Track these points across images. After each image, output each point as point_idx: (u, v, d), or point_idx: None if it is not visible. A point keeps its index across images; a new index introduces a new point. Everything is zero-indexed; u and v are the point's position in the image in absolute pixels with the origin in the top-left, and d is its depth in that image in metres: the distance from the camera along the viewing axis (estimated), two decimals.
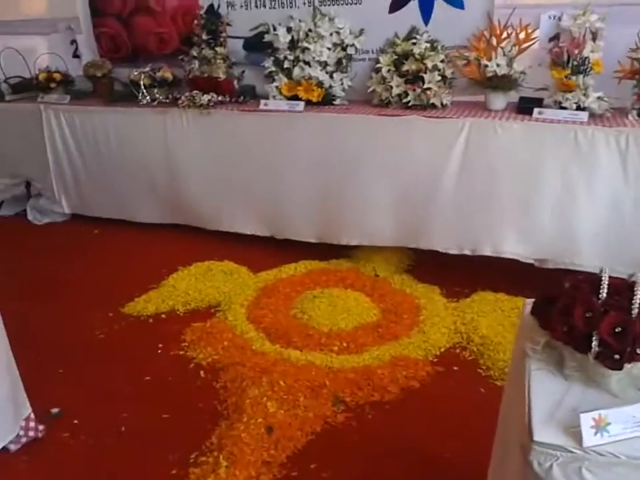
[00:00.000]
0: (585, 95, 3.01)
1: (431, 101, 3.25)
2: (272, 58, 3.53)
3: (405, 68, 3.29)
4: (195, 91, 3.57)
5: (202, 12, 3.64)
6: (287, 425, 2.11)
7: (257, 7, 3.63)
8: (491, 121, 3.04)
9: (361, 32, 3.42)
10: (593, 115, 2.97)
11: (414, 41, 3.31)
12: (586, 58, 3.02)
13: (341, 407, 2.23)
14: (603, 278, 1.20)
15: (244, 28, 3.66)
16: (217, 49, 3.60)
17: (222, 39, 3.62)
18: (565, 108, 3.04)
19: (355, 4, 3.45)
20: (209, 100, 3.50)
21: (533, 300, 1.40)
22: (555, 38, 3.25)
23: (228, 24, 3.63)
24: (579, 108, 3.01)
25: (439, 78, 3.25)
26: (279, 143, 3.39)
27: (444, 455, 2.00)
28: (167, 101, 3.66)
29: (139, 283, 3.18)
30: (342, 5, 3.47)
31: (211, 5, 3.66)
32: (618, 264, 2.93)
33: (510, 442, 1.33)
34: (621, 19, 3.01)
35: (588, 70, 3.04)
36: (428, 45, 3.28)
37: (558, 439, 1.10)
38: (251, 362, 2.46)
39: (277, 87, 3.49)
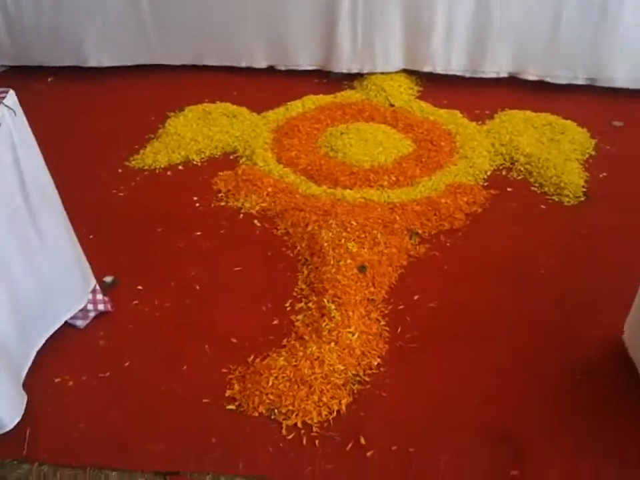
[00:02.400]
0: None
1: None
2: None
3: None
4: None
5: None
6: (376, 262, 2.02)
7: None
8: None
9: None
10: None
11: None
12: None
13: (417, 239, 2.17)
14: None
15: None
16: None
17: None
18: None
19: None
20: None
21: None
22: None
23: None
24: None
25: None
26: None
27: (539, 270, 2.02)
28: None
29: (132, 134, 2.80)
30: None
31: None
32: None
33: None
34: None
35: None
36: None
37: None
38: (307, 205, 2.28)
39: None
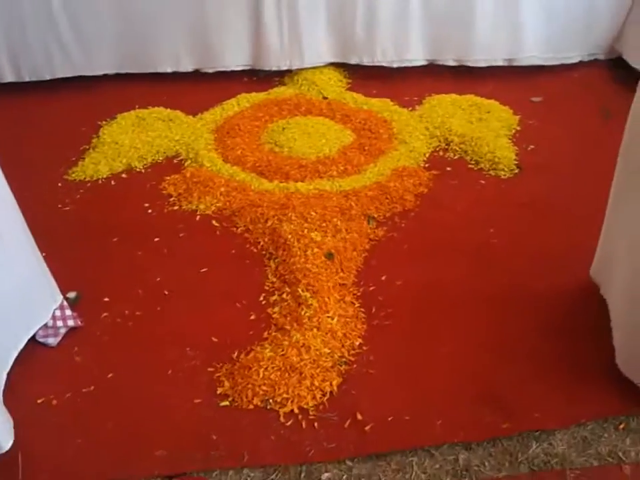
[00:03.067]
0: None
1: None
2: None
3: None
4: None
5: None
6: (341, 248, 2.08)
7: None
8: None
9: None
10: None
11: None
12: None
13: (374, 222, 2.25)
14: None
15: None
16: None
17: None
18: None
19: None
20: None
21: None
22: None
23: None
24: None
25: None
26: None
27: (491, 240, 2.16)
28: None
29: (65, 147, 2.70)
30: None
31: None
32: (559, 50, 3.18)
33: None
34: None
35: None
36: None
37: None
38: (263, 201, 2.31)
39: None
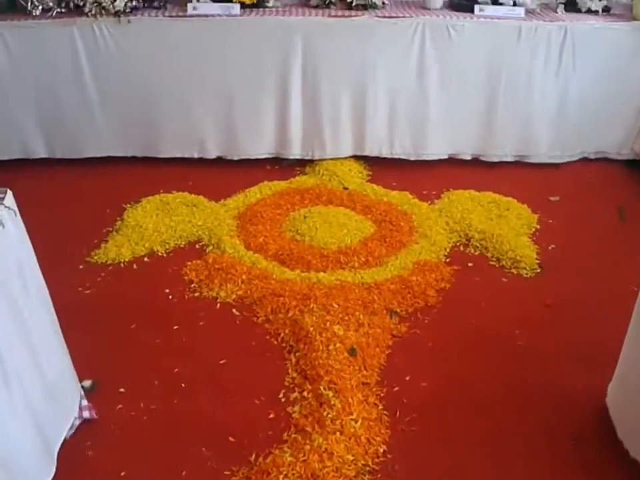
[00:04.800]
0: None
1: (373, 0, 3.16)
2: None
3: None
4: None
5: None
6: (364, 344, 2.04)
7: None
8: (442, 20, 3.07)
9: None
10: (526, 11, 3.15)
11: None
12: None
13: (397, 317, 2.22)
14: None
15: None
16: None
17: None
18: (501, 4, 3.17)
19: None
20: (125, 4, 2.96)
21: None
22: None
23: None
24: (514, 4, 3.16)
25: None
26: (217, 52, 3.05)
27: (516, 342, 2.12)
28: (65, 10, 3.01)
29: (89, 228, 2.73)
30: None
31: None
32: (566, 151, 3.29)
33: None
34: None
35: None
36: None
37: None
38: (285, 290, 2.29)
39: None
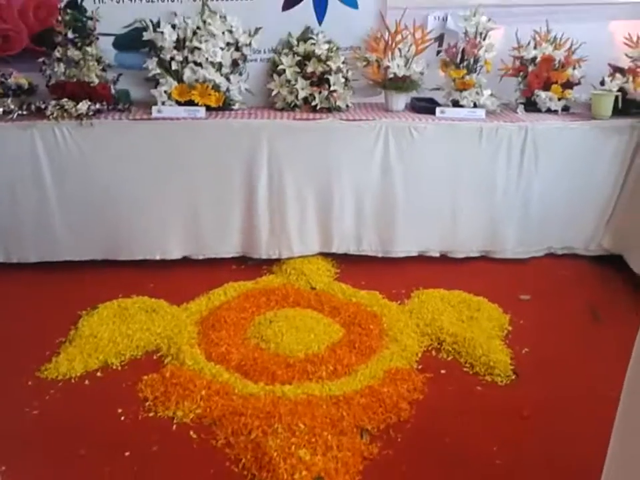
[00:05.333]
0: (478, 93, 3.25)
1: (337, 103, 3.22)
2: (155, 59, 3.12)
3: (309, 70, 3.20)
4: (64, 99, 2.98)
5: (62, 5, 3.05)
6: (332, 471, 1.88)
7: (130, 0, 3.16)
8: (405, 122, 3.12)
9: (257, 31, 3.21)
10: (487, 112, 3.23)
11: (313, 41, 3.23)
12: (480, 57, 3.25)
13: (367, 436, 2.08)
14: None
15: (114, 24, 3.18)
16: (87, 48, 3.05)
17: (92, 38, 3.08)
18: (461, 106, 3.25)
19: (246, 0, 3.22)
20: (88, 107, 2.95)
21: None
22: (440, 39, 3.46)
23: (97, 19, 3.10)
24: (474, 105, 3.24)
25: (343, 80, 3.22)
26: (183, 154, 3.03)
27: (495, 461, 1.99)
28: (26, 112, 2.98)
29: (40, 339, 2.56)
30: (230, 0, 3.21)
31: None
32: (532, 247, 3.29)
33: None
34: (499, 20, 3.30)
35: (481, 69, 3.28)
36: (327, 45, 3.23)
37: None
38: (247, 408, 2.14)
39: (165, 92, 3.11)
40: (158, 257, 3.12)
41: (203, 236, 3.13)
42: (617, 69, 3.31)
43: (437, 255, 3.34)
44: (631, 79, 3.23)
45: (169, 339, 2.57)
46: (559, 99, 3.29)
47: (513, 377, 2.41)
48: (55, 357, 2.44)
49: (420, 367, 2.48)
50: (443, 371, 2.46)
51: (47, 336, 2.58)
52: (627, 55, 3.33)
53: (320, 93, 3.18)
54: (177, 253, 3.15)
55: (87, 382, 2.32)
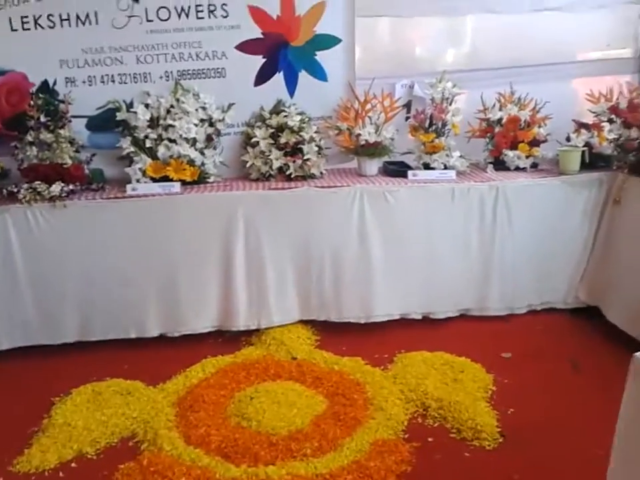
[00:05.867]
0: (448, 155, 3.32)
1: (311, 171, 3.27)
2: (129, 138, 3.16)
3: (282, 140, 3.26)
4: (37, 182, 2.98)
5: (34, 89, 3.10)
6: None
7: (103, 82, 3.23)
8: (379, 187, 3.16)
9: (230, 106, 3.29)
10: (458, 173, 3.29)
11: (285, 113, 3.30)
12: (447, 121, 3.34)
13: None
14: None
15: (87, 105, 3.22)
16: (60, 131, 3.08)
17: (65, 121, 3.11)
18: (432, 168, 3.31)
19: (219, 77, 3.30)
20: (61, 189, 2.95)
21: None
22: (408, 105, 3.56)
23: (69, 102, 3.14)
24: (445, 167, 3.31)
25: (316, 148, 3.28)
26: (159, 230, 3.03)
27: None
28: None
29: (13, 429, 2.46)
30: (204, 78, 3.29)
31: (45, 82, 3.14)
32: (512, 304, 3.29)
33: None
34: (464, 84, 3.40)
35: (449, 132, 3.36)
36: (300, 117, 3.30)
37: None
38: None
39: (140, 169, 3.13)
40: (133, 336, 3.06)
41: (180, 312, 3.08)
42: (581, 125, 3.42)
43: (419, 316, 3.32)
44: (595, 133, 3.33)
45: (145, 423, 2.48)
46: (527, 157, 3.37)
47: (501, 440, 2.36)
48: (28, 448, 2.33)
49: (407, 435, 2.41)
50: (430, 439, 2.40)
51: (19, 427, 2.48)
52: (590, 110, 3.45)
53: (294, 162, 3.23)
54: (153, 330, 3.09)
55: (61, 474, 2.22)
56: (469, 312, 3.35)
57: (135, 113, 3.13)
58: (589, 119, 3.43)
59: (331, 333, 3.20)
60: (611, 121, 3.35)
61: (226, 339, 3.16)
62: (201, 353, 3.01)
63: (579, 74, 3.70)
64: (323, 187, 3.13)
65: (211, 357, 2.98)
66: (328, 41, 3.36)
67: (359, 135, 3.28)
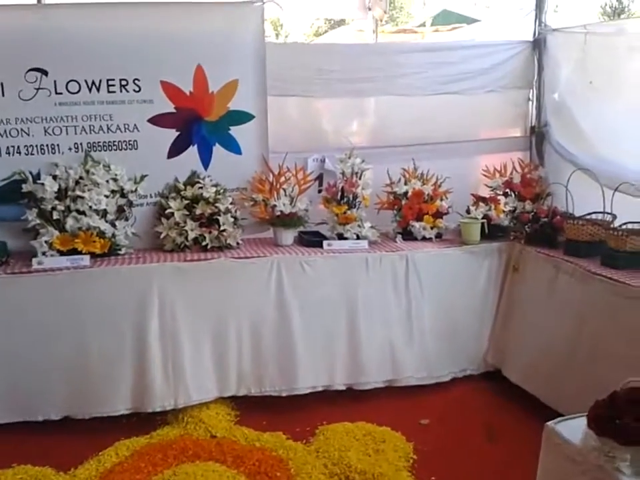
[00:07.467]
0: (360, 225, 3.47)
1: (228, 241, 3.28)
2: (35, 210, 3.04)
3: (198, 212, 3.27)
4: None
5: None
6: None
7: (8, 154, 3.12)
8: (295, 256, 3.22)
9: (142, 178, 3.27)
10: (369, 242, 3.43)
11: (200, 185, 3.32)
12: (358, 194, 3.50)
13: None
14: None
15: None
16: None
17: None
18: (345, 238, 3.43)
19: (131, 149, 3.29)
20: None
21: (557, 420, 1.51)
22: (320, 178, 3.71)
23: None
24: (357, 237, 3.44)
25: (232, 219, 3.30)
26: (67, 307, 2.89)
27: None
28: None
29: None
30: (115, 150, 3.27)
31: None
32: (433, 372, 3.37)
33: None
34: (372, 160, 3.60)
35: (360, 204, 3.52)
36: (215, 188, 3.33)
37: None
38: None
39: (47, 242, 3.01)
40: (40, 419, 2.84)
41: (90, 394, 2.90)
42: (479, 198, 3.69)
43: (343, 387, 3.29)
44: (493, 206, 3.60)
45: None
46: (432, 228, 3.57)
47: None
48: None
49: None
50: None
51: None
52: (486, 185, 3.73)
53: (210, 233, 3.23)
54: (60, 413, 2.88)
55: None
56: (394, 383, 3.34)
57: (42, 184, 3.03)
58: (486, 193, 3.72)
59: (251, 407, 3.13)
60: (506, 195, 3.65)
61: (140, 419, 2.98)
62: (114, 434, 2.84)
63: (476, 151, 4.02)
64: (239, 258, 3.14)
65: (125, 438, 2.82)
66: (241, 117, 3.45)
67: (275, 206, 3.35)
